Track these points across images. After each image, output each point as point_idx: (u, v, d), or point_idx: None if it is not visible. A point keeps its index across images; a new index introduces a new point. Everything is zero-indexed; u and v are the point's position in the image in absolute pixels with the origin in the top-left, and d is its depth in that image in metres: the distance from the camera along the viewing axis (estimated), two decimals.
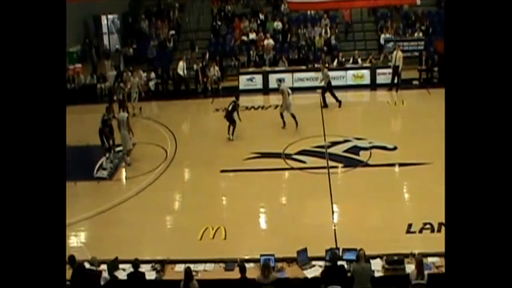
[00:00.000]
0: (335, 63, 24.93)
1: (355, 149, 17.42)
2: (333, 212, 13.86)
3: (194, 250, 12.30)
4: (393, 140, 17.73)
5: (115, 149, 18.06)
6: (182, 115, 21.92)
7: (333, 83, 22.17)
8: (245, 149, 17.88)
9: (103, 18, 31.63)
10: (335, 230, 12.99)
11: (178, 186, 16.51)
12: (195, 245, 12.82)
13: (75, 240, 13.74)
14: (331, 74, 22.45)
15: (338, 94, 21.87)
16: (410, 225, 12.64)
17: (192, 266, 10.63)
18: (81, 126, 19.33)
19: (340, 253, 10.90)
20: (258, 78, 24.46)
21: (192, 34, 29.60)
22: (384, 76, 24.09)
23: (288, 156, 17.29)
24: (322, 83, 22.05)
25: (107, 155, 17.88)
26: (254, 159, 17.33)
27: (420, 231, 12.54)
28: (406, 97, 22.06)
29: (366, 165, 16.43)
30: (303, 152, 17.43)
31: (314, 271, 10.70)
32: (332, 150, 17.45)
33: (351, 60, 25.00)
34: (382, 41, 26.68)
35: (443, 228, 12.01)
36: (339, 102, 21.79)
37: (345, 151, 17.39)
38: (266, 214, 14.44)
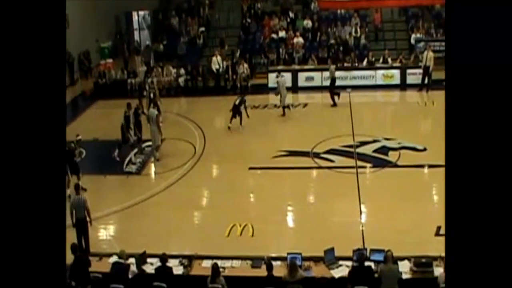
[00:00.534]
0: (364, 62, 24.79)
1: (384, 149, 17.31)
2: (361, 212, 13.80)
3: (221, 247, 12.34)
4: (423, 141, 17.57)
5: (141, 144, 18.28)
6: (211, 112, 22.02)
7: (363, 82, 22.13)
8: (274, 147, 17.88)
9: (134, 14, 31.90)
10: (362, 230, 12.94)
11: (206, 182, 16.58)
12: (223, 242, 12.87)
13: (104, 233, 13.91)
14: (361, 73, 22.35)
15: (368, 93, 21.79)
16: (439, 228, 12.48)
17: (219, 262, 10.65)
18: (111, 120, 19.50)
19: (368, 254, 10.82)
20: (287, 76, 24.38)
21: (222, 31, 29.70)
22: (414, 76, 23.88)
23: (316, 155, 17.26)
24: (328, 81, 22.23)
25: (120, 148, 18.16)
26: (283, 157, 17.32)
27: None
28: (436, 97, 21.84)
29: (395, 165, 16.33)
30: (331, 151, 17.38)
31: (341, 271, 10.64)
32: (360, 149, 17.38)
33: (381, 60, 24.84)
34: (412, 41, 26.47)
35: None
36: (334, 104, 21.84)
37: (374, 151, 17.29)
38: (294, 213, 14.43)
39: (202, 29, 29.54)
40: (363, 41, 27.10)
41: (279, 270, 10.45)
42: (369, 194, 14.75)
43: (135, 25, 32.11)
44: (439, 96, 22.39)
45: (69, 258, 10.28)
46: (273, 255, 11.16)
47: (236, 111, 19.66)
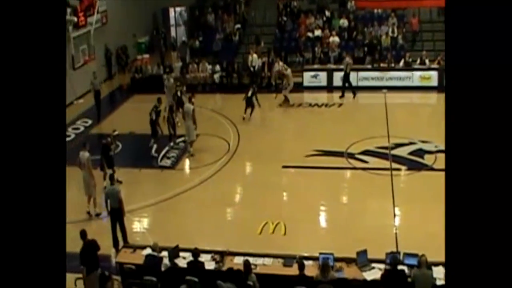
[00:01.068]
0: (401, 63, 24.53)
1: (420, 152, 17.13)
2: (394, 215, 13.70)
3: (253, 244, 12.37)
4: None
5: (175, 139, 18.45)
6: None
7: (399, 84, 21.89)
8: (308, 146, 17.84)
9: (171, 10, 32.08)
10: (396, 233, 12.84)
11: (239, 179, 16.67)
12: (255, 239, 12.92)
13: (138, 226, 14.09)
14: (398, 74, 22.12)
15: (404, 95, 21.56)
16: None
17: (251, 259, 10.66)
18: (147, 115, 19.61)
19: (401, 257, 10.70)
20: (323, 75, 24.34)
21: (258, 28, 29.71)
22: None
23: (350, 155, 17.18)
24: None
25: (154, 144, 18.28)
26: (316, 157, 17.28)
27: None
28: None
29: (431, 169, 16.14)
30: (366, 152, 17.28)
31: (373, 274, 10.54)
32: (396, 151, 17.23)
33: (418, 61, 24.54)
34: None
35: None
36: (343, 96, 22.53)
37: (410, 153, 17.14)
38: (327, 213, 14.40)
39: (238, 26, 29.58)
40: (400, 41, 26.83)
41: (311, 269, 10.40)
42: (404, 196, 14.62)
43: (172, 21, 32.24)
44: None
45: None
46: (305, 254, 11.13)
47: (248, 102, 20.25)
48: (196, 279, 10.39)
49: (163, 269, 10.90)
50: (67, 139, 20.19)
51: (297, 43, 27.80)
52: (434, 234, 12.44)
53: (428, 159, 16.67)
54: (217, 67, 25.73)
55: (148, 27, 31.77)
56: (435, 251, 10.94)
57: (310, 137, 18.86)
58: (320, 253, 10.71)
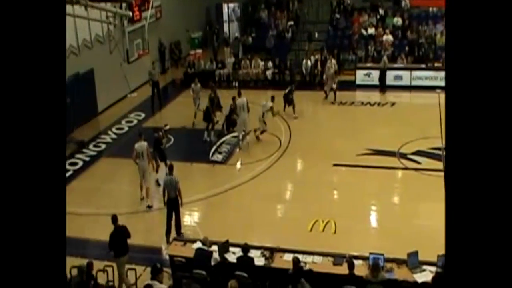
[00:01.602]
0: None
1: None
2: None
3: (303, 241, 12.39)
4: None
5: (228, 134, 18.73)
6: (297, 106, 21.99)
7: None
8: (359, 145, 17.74)
9: (225, 6, 32.30)
10: None
11: (290, 176, 16.70)
12: (305, 236, 12.93)
13: (189, 220, 14.28)
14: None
15: None
16: None
17: (300, 256, 10.64)
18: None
19: None
20: (376, 74, 24.10)
21: (311, 25, 29.61)
22: None
23: (403, 156, 17.00)
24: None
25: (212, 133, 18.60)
26: (368, 156, 17.18)
27: None
28: None
29: None
30: (419, 153, 17.06)
31: (424, 276, 10.39)
32: None
33: None
34: None
35: None
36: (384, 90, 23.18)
37: None
38: (378, 212, 14.31)
39: (291, 23, 29.56)
40: None
41: (360, 269, 10.36)
42: None
43: (225, 17, 32.49)
44: None
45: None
46: (355, 253, 11.10)
47: (286, 100, 20.53)
48: (245, 275, 10.48)
49: (212, 263, 10.99)
50: (121, 131, 20.64)
51: (350, 41, 27.62)
52: None
53: None
54: (270, 64, 25.76)
55: (202, 23, 32.06)
56: None
57: (362, 135, 18.73)
58: (370, 253, 10.65)
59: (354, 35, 27.82)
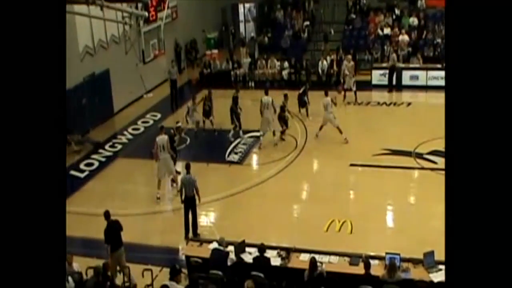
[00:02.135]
0: None
1: None
2: None
3: (319, 241, 12.38)
4: None
5: (243, 134, 18.84)
6: (313, 106, 21.97)
7: None
8: (376, 145, 17.68)
9: (241, 6, 32.37)
10: None
11: (307, 176, 16.68)
12: (321, 236, 12.93)
13: (205, 220, 14.32)
14: None
15: None
16: None
17: (316, 256, 10.65)
18: (215, 109, 19.93)
19: None
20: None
21: (326, 26, 29.54)
22: None
23: (419, 155, 16.92)
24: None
25: (239, 134, 18.76)
26: (384, 156, 17.13)
27: None
28: None
29: None
30: (435, 153, 16.93)
31: (440, 276, 10.35)
32: None
33: None
34: None
35: None
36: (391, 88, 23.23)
37: None
38: (394, 212, 14.26)
39: (307, 23, 29.53)
40: None
41: (377, 269, 10.34)
42: None
43: (241, 17, 32.58)
44: None
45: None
46: (371, 253, 11.08)
47: (300, 101, 20.54)
48: (261, 275, 10.49)
49: (229, 263, 11.02)
50: (137, 132, 20.73)
51: (366, 41, 27.54)
52: None
53: None
54: (286, 64, 25.74)
55: (218, 23, 32.15)
56: None
57: (378, 135, 18.66)
58: (387, 253, 10.62)
59: (370, 35, 27.73)
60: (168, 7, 25.66)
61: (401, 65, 24.75)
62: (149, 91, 24.88)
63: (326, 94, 18.58)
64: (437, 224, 13.13)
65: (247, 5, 32.33)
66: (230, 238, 11.57)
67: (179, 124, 17.37)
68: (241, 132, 18.97)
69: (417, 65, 24.57)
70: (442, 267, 10.57)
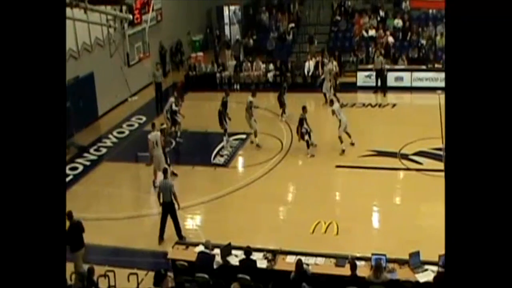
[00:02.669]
0: None
1: None
2: None
3: (305, 243, 12.40)
4: None
5: (228, 137, 18.77)
6: (299, 108, 21.99)
7: None
8: (361, 146, 17.74)
9: (226, 9, 32.34)
10: None
11: (292, 178, 16.68)
12: (307, 238, 12.93)
13: (191, 223, 14.30)
14: None
15: None
16: None
17: (303, 258, 10.67)
18: (200, 112, 19.93)
19: None
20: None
21: (312, 27, 29.62)
22: None
23: (404, 156, 16.99)
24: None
25: (225, 137, 18.60)
26: (370, 157, 17.17)
27: None
28: None
29: None
30: (420, 153, 17.04)
31: (426, 276, 10.44)
32: None
33: None
34: None
35: None
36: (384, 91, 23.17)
37: None
38: (380, 213, 14.30)
39: (292, 25, 29.59)
40: None
41: (363, 270, 10.40)
42: None
43: (226, 20, 32.52)
44: None
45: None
46: (357, 254, 11.11)
47: (279, 101, 20.66)
48: (248, 277, 10.49)
49: (215, 266, 11.01)
50: (122, 135, 20.64)
51: (351, 42, 27.63)
52: None
53: None
54: (271, 66, 25.77)
55: (202, 25, 32.13)
56: None
57: (364, 137, 18.65)
58: (373, 254, 10.66)
59: (355, 37, 27.83)
60: (152, 10, 25.59)
61: (387, 66, 24.84)
62: (134, 94, 24.76)
63: (332, 103, 18.35)
64: (422, 224, 13.30)
65: (232, 7, 32.30)
66: (216, 241, 11.55)
67: (163, 126, 17.35)
68: (227, 135, 18.94)
69: (402, 67, 24.70)
70: (428, 267, 10.66)
